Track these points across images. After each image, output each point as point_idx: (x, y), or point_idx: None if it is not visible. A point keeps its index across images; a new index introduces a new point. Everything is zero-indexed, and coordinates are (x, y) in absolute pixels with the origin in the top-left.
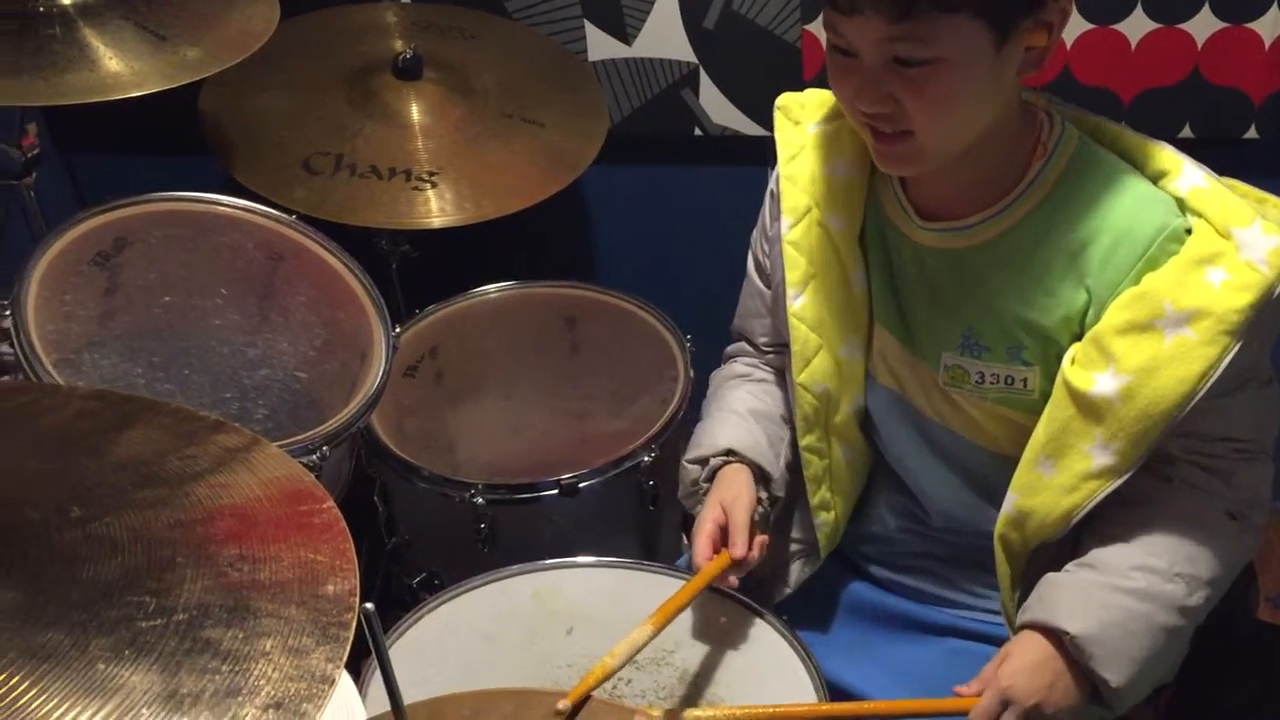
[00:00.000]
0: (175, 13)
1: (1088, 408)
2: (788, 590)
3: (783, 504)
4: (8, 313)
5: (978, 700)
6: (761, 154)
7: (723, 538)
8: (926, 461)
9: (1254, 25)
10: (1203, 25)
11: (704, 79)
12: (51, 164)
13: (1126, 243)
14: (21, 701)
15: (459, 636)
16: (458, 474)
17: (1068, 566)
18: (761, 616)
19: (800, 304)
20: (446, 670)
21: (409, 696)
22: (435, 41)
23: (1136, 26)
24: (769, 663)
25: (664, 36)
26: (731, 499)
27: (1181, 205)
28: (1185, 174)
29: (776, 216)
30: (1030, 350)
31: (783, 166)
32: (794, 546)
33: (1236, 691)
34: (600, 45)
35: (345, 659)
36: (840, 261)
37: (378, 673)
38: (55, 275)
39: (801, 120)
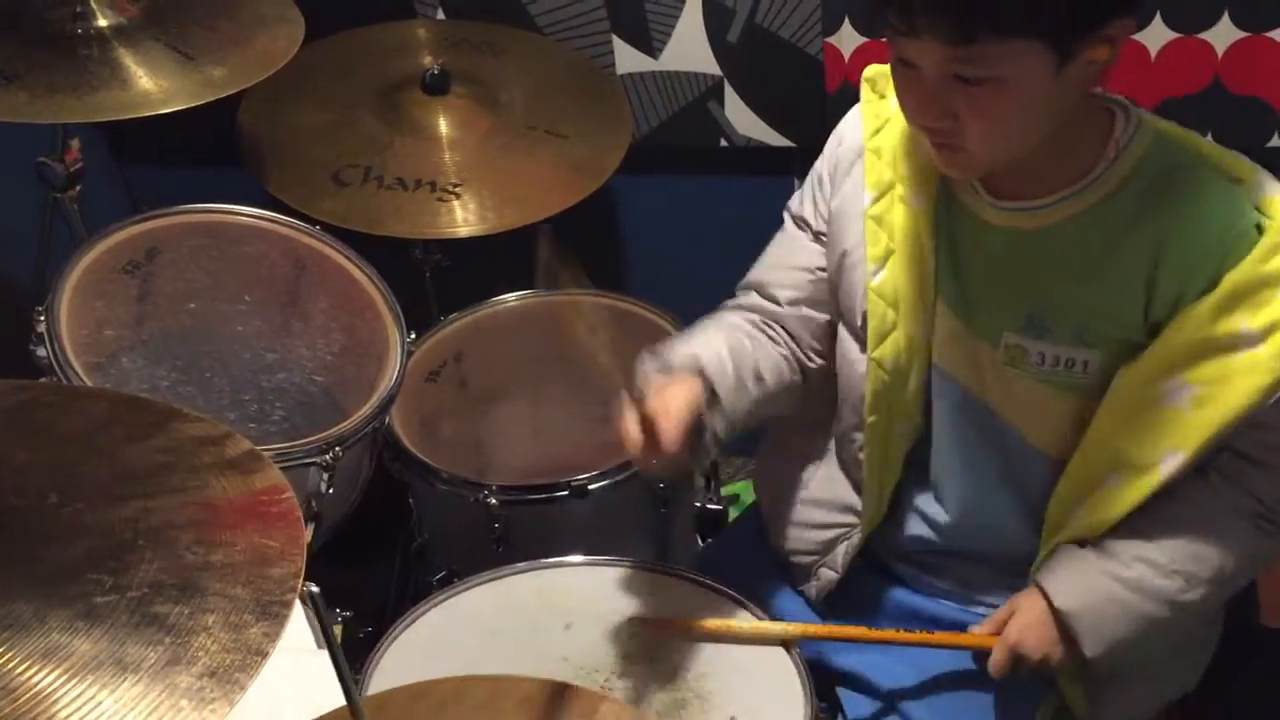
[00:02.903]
0: (204, 33)
1: (1161, 414)
2: (837, 576)
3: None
4: (43, 318)
5: (980, 638)
6: (786, 164)
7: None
8: (964, 451)
9: (1275, 34)
10: (1223, 34)
11: (729, 91)
12: (108, 176)
13: (1201, 237)
14: None
15: (461, 630)
16: (484, 477)
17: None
18: (753, 613)
19: (880, 280)
20: (446, 661)
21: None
22: (465, 57)
23: (1156, 36)
24: (760, 660)
25: (689, 50)
26: (678, 397)
27: (1255, 209)
28: (1261, 182)
29: (841, 182)
30: (1094, 333)
31: (867, 140)
32: (837, 530)
33: (1244, 698)
34: (627, 59)
35: (280, 635)
36: (918, 237)
37: (383, 655)
38: (88, 283)
39: (886, 93)
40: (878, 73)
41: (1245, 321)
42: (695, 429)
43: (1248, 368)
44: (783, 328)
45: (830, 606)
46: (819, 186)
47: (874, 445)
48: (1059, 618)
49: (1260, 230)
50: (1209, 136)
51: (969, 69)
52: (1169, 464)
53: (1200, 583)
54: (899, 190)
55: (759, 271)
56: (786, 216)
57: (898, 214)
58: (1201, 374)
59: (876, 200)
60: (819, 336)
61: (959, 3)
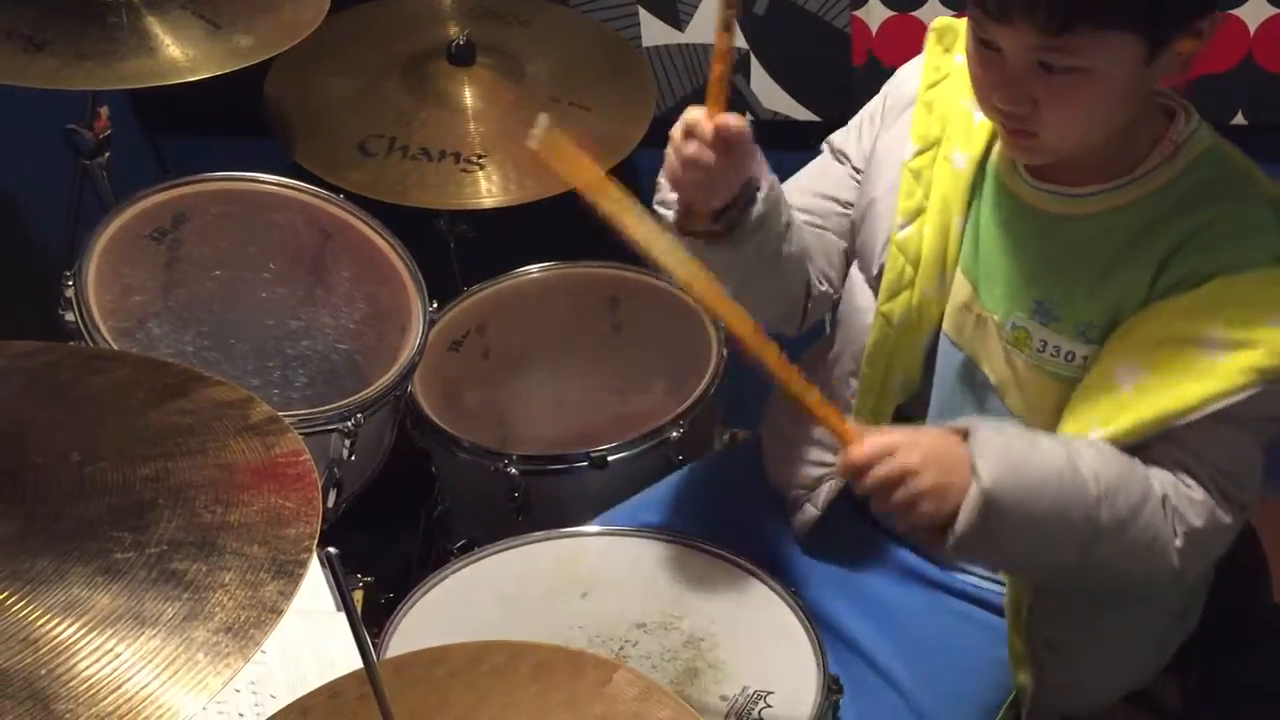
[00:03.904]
0: (231, 2)
1: (1102, 393)
2: (817, 513)
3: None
4: (71, 283)
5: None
6: (811, 138)
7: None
8: (957, 418)
9: None
10: (1256, 11)
11: (755, 65)
12: (137, 144)
13: (1215, 240)
14: (10, 613)
15: (480, 596)
16: (505, 447)
17: None
18: (767, 584)
19: (905, 235)
20: (464, 627)
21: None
22: (491, 28)
23: None
24: (773, 629)
25: None
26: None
27: None
28: None
29: (889, 126)
30: (1099, 329)
31: (922, 91)
32: (824, 469)
33: (1257, 677)
34: (654, 31)
35: (295, 593)
36: (951, 200)
37: (402, 619)
38: (115, 249)
39: (953, 48)
40: (946, 26)
41: (1218, 329)
42: (744, 189)
43: (1199, 372)
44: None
45: (812, 542)
46: (869, 124)
47: (866, 395)
48: (970, 443)
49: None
50: (1240, 114)
51: (1057, 57)
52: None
53: (1110, 507)
54: (944, 148)
55: (785, 193)
56: (825, 148)
57: (939, 172)
58: (1154, 362)
59: (919, 154)
60: (833, 261)
61: None
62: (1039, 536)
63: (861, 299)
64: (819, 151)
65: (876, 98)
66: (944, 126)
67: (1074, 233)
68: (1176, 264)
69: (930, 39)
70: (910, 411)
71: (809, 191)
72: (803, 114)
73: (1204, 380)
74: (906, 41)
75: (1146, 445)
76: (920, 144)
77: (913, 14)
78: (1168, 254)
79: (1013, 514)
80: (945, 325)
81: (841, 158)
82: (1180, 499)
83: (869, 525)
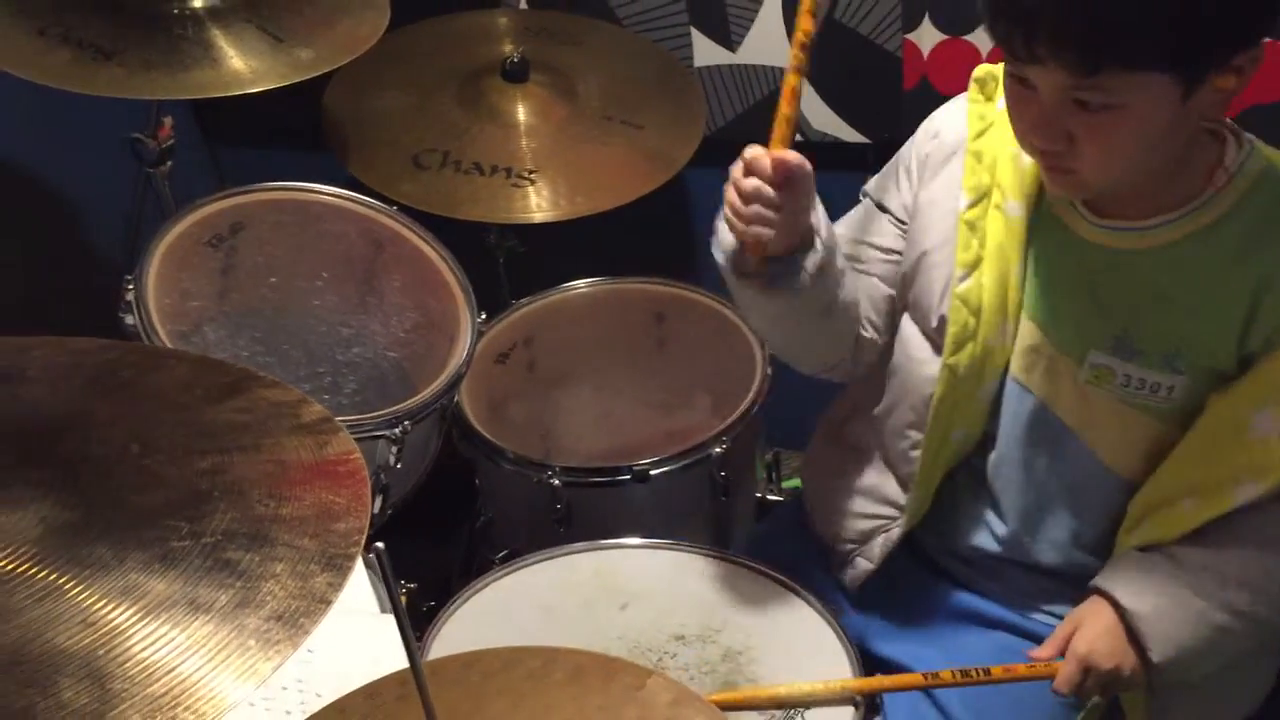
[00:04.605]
0: (293, 16)
1: (1245, 444)
2: (871, 567)
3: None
4: (131, 286)
5: (1054, 666)
6: (861, 160)
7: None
8: (1029, 463)
9: None
10: None
11: (805, 86)
12: (198, 153)
13: None
14: (68, 596)
15: (519, 605)
16: (549, 459)
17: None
18: (806, 601)
19: (966, 286)
20: (504, 634)
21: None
22: (545, 46)
23: None
24: (811, 646)
25: (767, 44)
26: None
27: None
28: None
29: (930, 179)
30: (1186, 359)
31: (970, 141)
32: (876, 522)
33: None
34: (706, 52)
35: (344, 585)
36: (1009, 247)
37: (443, 625)
38: (174, 255)
39: (994, 96)
40: (987, 74)
41: None
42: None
43: None
44: None
45: (866, 595)
46: (905, 175)
47: (930, 447)
48: (1126, 620)
49: None
50: None
51: (1090, 95)
52: (1244, 492)
53: (1270, 598)
54: (996, 197)
55: None
56: (864, 198)
57: (992, 221)
58: None
59: (972, 205)
60: (877, 307)
61: (1085, 34)
62: (1227, 654)
63: (917, 350)
64: (866, 173)
65: (910, 146)
66: (994, 175)
67: (1143, 266)
68: (1271, 303)
69: (972, 88)
70: (971, 457)
71: (852, 238)
72: (852, 136)
73: None
74: (958, 65)
75: None
76: (973, 195)
77: (965, 38)
78: (1257, 286)
79: (1196, 666)
80: (1014, 371)
81: (882, 209)
82: None
83: (929, 572)
